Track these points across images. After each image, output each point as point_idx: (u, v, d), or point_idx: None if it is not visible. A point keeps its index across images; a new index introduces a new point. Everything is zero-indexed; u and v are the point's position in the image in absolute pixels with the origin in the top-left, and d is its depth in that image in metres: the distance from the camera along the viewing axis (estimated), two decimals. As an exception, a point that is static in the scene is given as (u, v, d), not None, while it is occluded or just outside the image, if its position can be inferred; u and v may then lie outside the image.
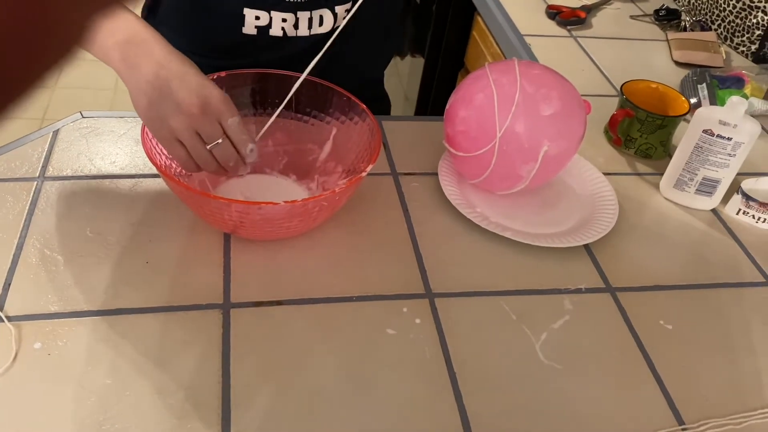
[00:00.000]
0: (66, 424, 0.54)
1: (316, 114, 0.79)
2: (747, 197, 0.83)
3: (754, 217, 0.83)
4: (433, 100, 1.73)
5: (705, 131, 0.80)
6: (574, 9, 1.30)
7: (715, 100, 1.03)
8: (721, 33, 1.28)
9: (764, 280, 0.76)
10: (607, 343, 0.66)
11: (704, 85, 1.06)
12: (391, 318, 0.66)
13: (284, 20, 0.83)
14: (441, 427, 0.57)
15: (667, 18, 1.31)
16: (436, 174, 0.82)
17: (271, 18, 0.82)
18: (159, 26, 0.71)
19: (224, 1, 0.82)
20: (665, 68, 1.18)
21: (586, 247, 0.77)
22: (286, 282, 0.68)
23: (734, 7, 1.24)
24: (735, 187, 0.84)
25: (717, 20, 1.29)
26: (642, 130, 0.91)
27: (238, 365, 0.60)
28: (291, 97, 0.71)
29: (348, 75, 0.84)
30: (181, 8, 0.88)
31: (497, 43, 1.29)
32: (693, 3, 1.35)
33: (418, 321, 0.66)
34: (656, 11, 1.33)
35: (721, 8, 1.27)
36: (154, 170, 0.78)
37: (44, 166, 0.78)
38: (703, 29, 1.27)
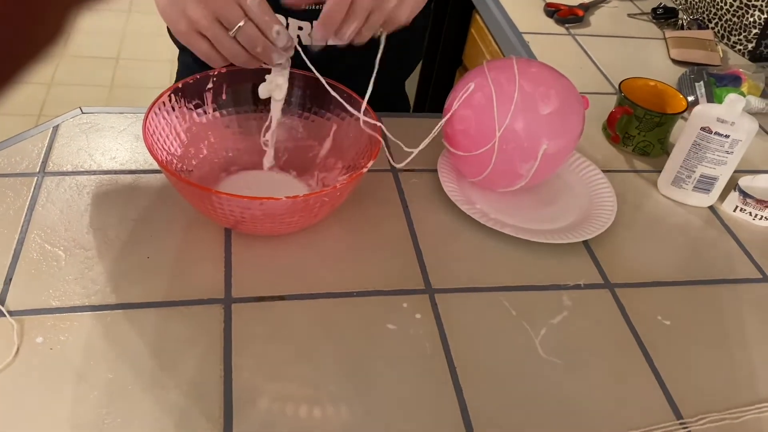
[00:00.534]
0: (68, 418, 0.54)
1: (316, 110, 0.79)
2: (744, 194, 0.84)
3: (751, 214, 0.84)
4: (431, 98, 1.73)
5: (703, 129, 0.81)
6: (572, 7, 1.30)
7: (712, 98, 1.04)
8: (719, 31, 1.28)
9: (761, 277, 0.77)
10: (606, 339, 0.67)
11: (702, 83, 1.07)
12: (392, 313, 0.66)
13: (300, 28, 0.82)
14: (441, 421, 0.58)
15: (664, 16, 1.32)
16: (436, 170, 0.82)
17: (288, 25, 0.81)
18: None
19: None
20: (663, 66, 1.18)
21: (585, 243, 0.77)
22: (286, 277, 0.68)
23: (731, 5, 1.24)
24: (732, 185, 0.85)
25: (714, 19, 1.29)
26: (640, 128, 0.92)
27: (240, 360, 0.60)
28: (291, 93, 0.71)
29: (366, 85, 0.82)
30: None
31: (495, 41, 1.30)
32: (690, 1, 1.35)
33: (418, 316, 0.66)
34: (654, 9, 1.33)
35: (718, 7, 1.27)
36: (155, 166, 0.78)
37: (44, 162, 0.78)
38: (700, 28, 1.28)
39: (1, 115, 2.29)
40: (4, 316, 0.61)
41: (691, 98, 1.04)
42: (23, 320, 0.61)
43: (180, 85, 0.74)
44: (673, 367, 0.65)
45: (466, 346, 0.64)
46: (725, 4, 1.26)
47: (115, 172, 0.78)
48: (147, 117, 0.69)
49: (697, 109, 0.82)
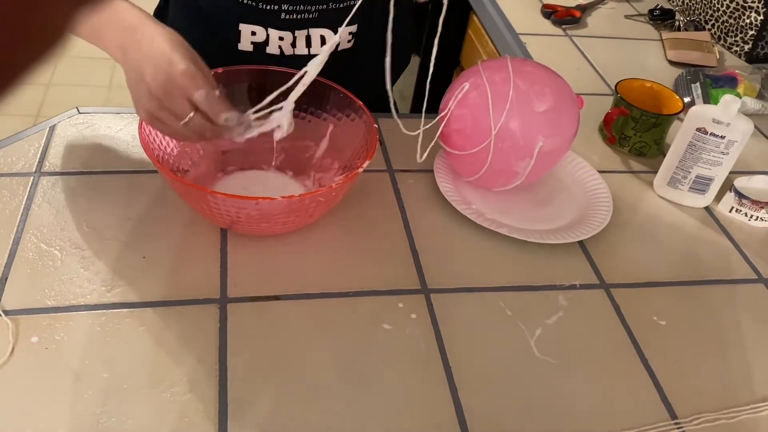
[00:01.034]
0: (63, 417, 0.54)
1: (312, 111, 0.79)
2: (740, 195, 0.84)
3: (746, 215, 0.84)
4: (428, 98, 1.73)
5: (698, 129, 0.81)
6: (569, 8, 1.30)
7: (708, 99, 1.04)
8: (715, 33, 1.29)
9: (756, 277, 0.77)
10: (601, 339, 0.67)
11: (698, 84, 1.07)
12: (387, 313, 0.66)
13: (281, 38, 0.82)
14: (436, 420, 0.58)
15: (661, 18, 1.32)
16: (432, 171, 0.83)
17: (268, 35, 0.82)
18: None
19: (220, 14, 0.81)
20: (659, 67, 1.18)
21: (581, 243, 0.77)
22: (282, 277, 0.68)
23: (728, 7, 1.25)
24: (728, 185, 0.85)
25: (711, 20, 1.29)
26: (636, 129, 0.92)
27: (235, 359, 0.60)
28: (286, 92, 0.71)
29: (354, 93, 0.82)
30: (177, 20, 0.88)
31: (493, 42, 1.30)
32: (687, 3, 1.36)
33: (413, 316, 0.66)
34: (651, 11, 1.33)
35: (715, 8, 1.28)
36: (151, 165, 0.78)
37: (41, 161, 0.78)
38: (696, 29, 1.28)
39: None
40: (0, 315, 0.61)
41: (687, 99, 1.04)
42: (18, 320, 0.61)
43: (176, 85, 0.74)
44: (668, 367, 0.65)
45: (461, 345, 0.64)
46: (722, 6, 1.26)
47: (111, 172, 0.78)
48: (143, 117, 0.69)
49: (692, 110, 0.82)
